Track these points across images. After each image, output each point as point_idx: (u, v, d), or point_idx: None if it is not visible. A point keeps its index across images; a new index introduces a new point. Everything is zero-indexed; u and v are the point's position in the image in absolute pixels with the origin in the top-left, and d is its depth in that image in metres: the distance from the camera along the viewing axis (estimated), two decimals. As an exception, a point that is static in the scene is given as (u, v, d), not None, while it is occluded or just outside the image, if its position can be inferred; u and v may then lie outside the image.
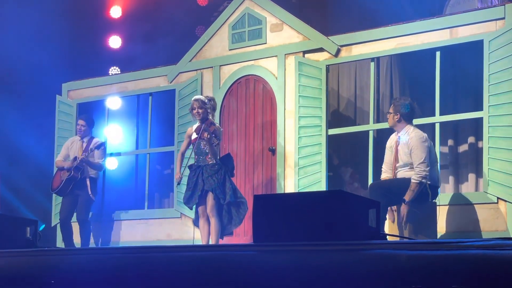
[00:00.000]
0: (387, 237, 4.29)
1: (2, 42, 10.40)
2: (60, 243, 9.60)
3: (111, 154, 9.78)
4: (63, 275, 3.84)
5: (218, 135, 7.64)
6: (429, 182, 6.82)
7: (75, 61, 10.57)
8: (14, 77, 10.60)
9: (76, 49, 10.67)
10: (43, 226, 10.52)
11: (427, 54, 7.82)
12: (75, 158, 9.05)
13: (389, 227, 6.87)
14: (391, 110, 7.10)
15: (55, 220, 9.98)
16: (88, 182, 9.03)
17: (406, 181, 6.80)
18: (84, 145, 9.18)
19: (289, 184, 8.46)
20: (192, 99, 7.82)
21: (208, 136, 7.51)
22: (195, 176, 7.65)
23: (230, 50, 9.12)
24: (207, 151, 7.62)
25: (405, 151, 6.92)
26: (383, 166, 7.21)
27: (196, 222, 7.83)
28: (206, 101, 7.70)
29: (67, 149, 9.29)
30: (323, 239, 3.55)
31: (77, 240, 9.05)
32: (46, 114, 10.43)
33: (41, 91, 10.47)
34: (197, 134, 7.64)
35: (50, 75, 10.30)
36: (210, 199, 7.56)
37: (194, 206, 7.72)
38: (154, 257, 3.77)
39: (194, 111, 7.69)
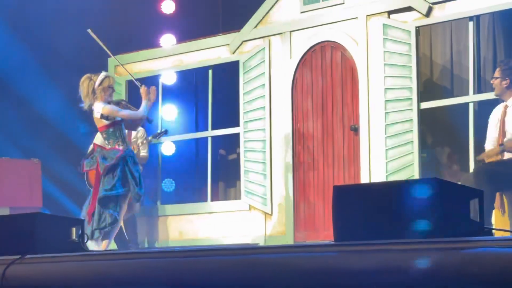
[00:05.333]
0: (494, 232, 4.22)
1: (39, 19, 10.59)
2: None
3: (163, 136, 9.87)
4: (114, 282, 3.89)
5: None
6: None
7: (122, 31, 10.67)
8: (55, 56, 10.78)
9: (122, 17, 10.77)
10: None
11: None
12: None
13: (497, 219, 6.76)
14: (497, 75, 6.97)
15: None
16: None
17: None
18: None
19: (376, 168, 8.40)
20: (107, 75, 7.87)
21: None
22: None
23: (302, 12, 9.08)
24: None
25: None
26: (486, 144, 7.10)
27: None
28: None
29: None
30: (416, 237, 3.49)
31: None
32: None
33: (85, 68, 10.61)
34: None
35: (93, 48, 10.43)
36: None
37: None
38: (218, 260, 3.79)
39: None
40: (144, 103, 7.86)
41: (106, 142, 7.74)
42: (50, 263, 4.33)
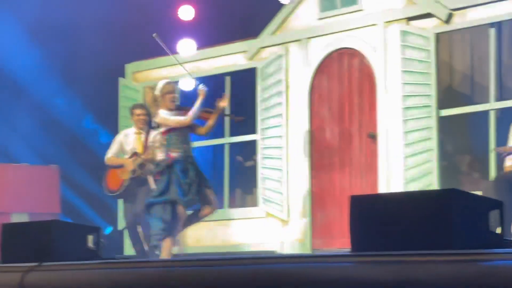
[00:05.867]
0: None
1: (57, 25, 10.63)
2: (128, 250, 9.78)
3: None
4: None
5: None
6: None
7: (140, 37, 10.68)
8: (75, 62, 10.82)
9: (140, 22, 10.78)
10: (110, 228, 10.75)
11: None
12: (135, 154, 9.05)
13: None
14: None
15: (122, 222, 10.17)
16: (150, 179, 9.11)
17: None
18: (143, 138, 9.17)
19: (394, 177, 8.37)
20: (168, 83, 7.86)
21: None
22: None
23: (319, 19, 9.07)
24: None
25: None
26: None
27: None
28: None
29: (120, 143, 9.19)
30: (434, 248, 3.47)
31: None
32: (109, 101, 10.60)
33: (103, 74, 10.65)
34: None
35: (112, 54, 10.46)
36: None
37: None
38: (235, 270, 3.79)
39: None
40: (197, 104, 7.84)
41: (165, 148, 7.78)
42: (66, 270, 4.34)
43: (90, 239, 4.70)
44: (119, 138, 9.27)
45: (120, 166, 9.09)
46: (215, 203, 7.78)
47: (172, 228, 7.64)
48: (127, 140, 9.18)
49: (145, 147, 9.14)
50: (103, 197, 9.96)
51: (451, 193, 3.54)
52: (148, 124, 9.22)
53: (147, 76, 10.52)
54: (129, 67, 10.65)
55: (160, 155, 9.16)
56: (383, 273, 3.41)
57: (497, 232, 3.65)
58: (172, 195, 7.56)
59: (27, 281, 4.32)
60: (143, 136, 9.14)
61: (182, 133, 7.76)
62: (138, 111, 9.19)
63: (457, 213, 3.49)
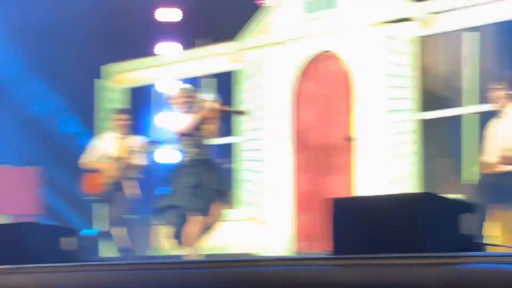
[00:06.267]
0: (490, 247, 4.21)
1: (33, 21, 10.59)
2: (105, 251, 9.74)
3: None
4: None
5: None
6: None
7: (118, 37, 10.65)
8: (55, 63, 10.78)
9: (119, 22, 10.75)
10: (88, 230, 10.70)
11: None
12: (115, 158, 9.02)
13: (493, 233, 6.73)
14: (502, 85, 6.90)
15: (98, 225, 10.13)
16: (130, 182, 9.10)
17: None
18: (123, 142, 9.15)
19: (374, 179, 8.38)
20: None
21: None
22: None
23: (301, 21, 9.07)
24: None
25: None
26: (484, 156, 7.07)
27: None
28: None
29: (98, 147, 9.03)
30: (410, 250, 3.50)
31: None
32: (89, 102, 10.57)
33: (83, 76, 10.61)
34: None
35: (91, 55, 10.42)
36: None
37: None
38: (215, 272, 3.79)
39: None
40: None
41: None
42: (41, 273, 4.32)
43: (66, 241, 4.68)
44: (97, 141, 9.24)
45: (98, 170, 9.07)
46: (215, 209, 7.52)
47: (179, 232, 7.61)
48: (106, 143, 9.16)
49: (125, 151, 9.13)
50: (82, 199, 9.93)
51: (426, 196, 3.57)
52: (131, 129, 9.22)
53: (125, 78, 10.50)
54: (108, 69, 10.61)
55: (139, 159, 9.13)
56: (362, 275, 3.43)
57: (470, 234, 3.68)
58: (176, 201, 7.53)
59: (2, 283, 4.30)
60: (122, 140, 9.12)
61: (192, 136, 7.65)
62: (123, 116, 9.17)
63: (431, 216, 3.52)
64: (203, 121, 7.48)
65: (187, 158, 7.58)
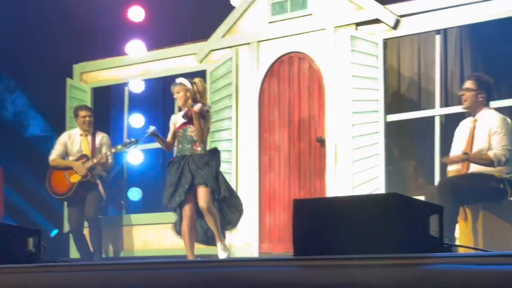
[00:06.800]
0: (456, 248, 4.22)
1: (2, 25, 10.50)
2: (74, 253, 9.69)
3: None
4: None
5: (205, 116, 7.47)
6: (507, 177, 6.73)
7: (88, 37, 10.60)
8: (18, 59, 10.69)
9: (89, 22, 10.70)
10: (56, 231, 10.64)
11: (505, 24, 7.68)
12: (84, 156, 8.97)
13: (461, 233, 6.78)
14: (472, 87, 6.90)
15: (67, 225, 10.06)
16: (99, 182, 9.05)
17: (484, 177, 6.69)
18: (90, 140, 9.10)
19: (342, 181, 8.41)
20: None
21: (195, 116, 7.38)
22: (179, 169, 7.46)
23: (269, 23, 9.09)
24: (194, 138, 7.51)
25: (483, 137, 6.79)
26: (454, 156, 7.11)
27: (178, 227, 7.71)
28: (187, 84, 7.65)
29: (64, 145, 9.10)
30: (375, 252, 3.49)
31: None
32: (56, 101, 10.49)
33: (49, 74, 10.54)
34: (184, 118, 7.57)
35: (58, 54, 10.35)
36: (203, 193, 7.31)
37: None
38: (178, 273, 3.77)
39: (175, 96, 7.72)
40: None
41: None
42: (5, 274, 4.28)
43: (31, 241, 4.63)
44: (63, 139, 9.18)
45: (66, 168, 9.00)
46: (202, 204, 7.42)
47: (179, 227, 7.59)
48: (73, 141, 9.11)
49: (93, 149, 9.08)
50: (49, 199, 9.86)
51: (393, 197, 3.56)
52: (94, 126, 9.17)
53: (95, 77, 10.44)
54: (77, 68, 10.55)
55: (104, 158, 9.06)
56: (326, 277, 3.42)
57: (436, 236, 3.69)
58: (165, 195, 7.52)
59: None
60: (89, 138, 9.08)
61: (180, 133, 7.62)
62: (83, 113, 9.12)
63: (398, 218, 3.51)
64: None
65: (175, 155, 7.61)
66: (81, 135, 9.09)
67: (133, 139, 8.81)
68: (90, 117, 9.11)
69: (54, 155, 9.11)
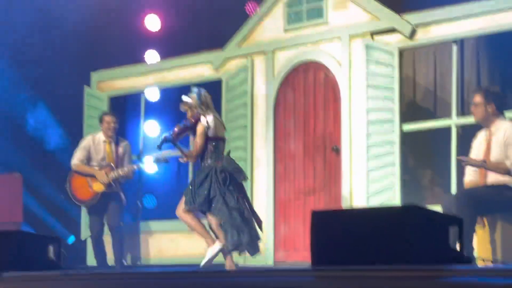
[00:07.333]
0: (476, 261, 4.21)
1: (20, 28, 10.57)
2: (91, 259, 9.72)
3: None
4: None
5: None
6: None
7: (106, 46, 10.66)
8: (38, 70, 10.74)
9: (106, 32, 10.76)
10: (73, 238, 10.67)
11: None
12: (108, 166, 8.94)
13: (479, 245, 6.75)
14: (480, 100, 6.92)
15: (85, 232, 10.10)
16: (120, 189, 9.05)
17: (502, 188, 6.67)
18: (114, 148, 9.08)
19: (357, 190, 8.41)
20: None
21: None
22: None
23: (285, 32, 9.10)
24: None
25: (499, 148, 6.78)
26: (467, 168, 7.09)
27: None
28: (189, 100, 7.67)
29: (87, 150, 9.07)
30: (394, 264, 3.50)
31: (109, 254, 9.15)
32: (73, 109, 10.54)
33: (67, 82, 10.59)
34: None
35: (76, 63, 10.41)
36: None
37: None
38: (195, 283, 3.79)
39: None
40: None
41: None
42: (27, 281, 4.32)
43: (51, 249, 4.67)
44: (87, 143, 9.12)
45: (89, 175, 8.97)
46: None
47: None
48: (97, 147, 9.08)
49: (116, 158, 9.07)
50: (66, 207, 9.89)
51: (411, 209, 3.57)
52: (117, 133, 9.17)
53: (112, 85, 10.49)
54: (95, 76, 10.60)
55: (126, 166, 9.07)
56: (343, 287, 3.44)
57: (456, 248, 3.69)
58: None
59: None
60: (113, 146, 9.06)
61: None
62: (108, 118, 9.10)
63: (417, 229, 3.52)
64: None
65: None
66: (104, 141, 9.05)
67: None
68: (115, 123, 9.09)
69: (77, 160, 9.04)
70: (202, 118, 7.53)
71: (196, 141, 7.53)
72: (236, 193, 7.39)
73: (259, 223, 7.49)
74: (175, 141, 7.57)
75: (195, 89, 7.70)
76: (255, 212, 7.55)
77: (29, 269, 4.46)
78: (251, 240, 7.33)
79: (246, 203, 7.49)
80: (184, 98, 7.68)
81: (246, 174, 7.77)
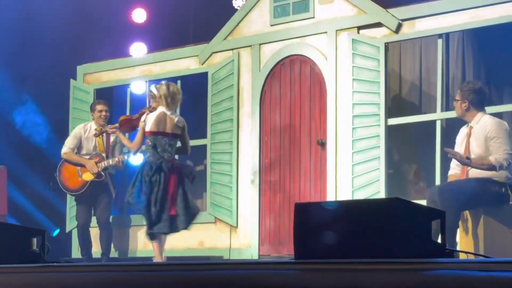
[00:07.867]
0: (458, 254, 4.22)
1: (4, 21, 10.52)
2: (75, 251, 9.70)
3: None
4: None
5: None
6: (508, 181, 6.74)
7: (92, 39, 10.63)
8: (25, 63, 10.70)
9: (92, 25, 10.73)
10: (58, 230, 10.65)
11: (508, 29, 7.69)
12: (98, 155, 8.89)
13: (462, 239, 6.78)
14: (457, 97, 7.03)
15: (70, 225, 10.07)
16: (109, 180, 9.03)
17: (485, 181, 6.70)
18: (105, 136, 9.00)
19: (342, 184, 8.41)
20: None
21: None
22: None
23: (271, 25, 9.09)
24: None
25: (479, 143, 6.82)
26: (452, 162, 7.14)
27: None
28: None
29: (78, 139, 9.00)
30: (377, 256, 3.50)
31: (95, 248, 9.13)
32: (59, 103, 10.51)
33: (53, 75, 10.56)
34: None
35: (62, 56, 10.37)
36: None
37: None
38: (177, 276, 3.78)
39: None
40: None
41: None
42: (9, 274, 4.29)
43: (35, 242, 4.65)
44: (78, 132, 9.03)
45: (79, 164, 8.91)
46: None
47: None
48: (88, 136, 9.02)
49: (107, 147, 9.03)
50: (51, 199, 9.87)
51: (394, 202, 3.57)
52: (108, 122, 9.10)
53: (98, 78, 10.45)
54: (81, 69, 10.56)
55: (117, 156, 9.07)
56: (326, 281, 3.42)
57: (438, 241, 3.69)
58: None
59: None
60: (104, 135, 8.99)
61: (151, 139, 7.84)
62: (100, 107, 9.03)
63: (399, 222, 3.52)
64: None
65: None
66: (96, 130, 8.95)
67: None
68: (106, 112, 9.02)
69: (67, 148, 8.96)
70: (147, 112, 7.69)
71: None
72: (158, 183, 7.60)
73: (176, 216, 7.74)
74: (121, 129, 8.07)
75: (165, 82, 7.79)
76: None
77: (12, 262, 4.43)
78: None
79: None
80: (152, 88, 7.77)
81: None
